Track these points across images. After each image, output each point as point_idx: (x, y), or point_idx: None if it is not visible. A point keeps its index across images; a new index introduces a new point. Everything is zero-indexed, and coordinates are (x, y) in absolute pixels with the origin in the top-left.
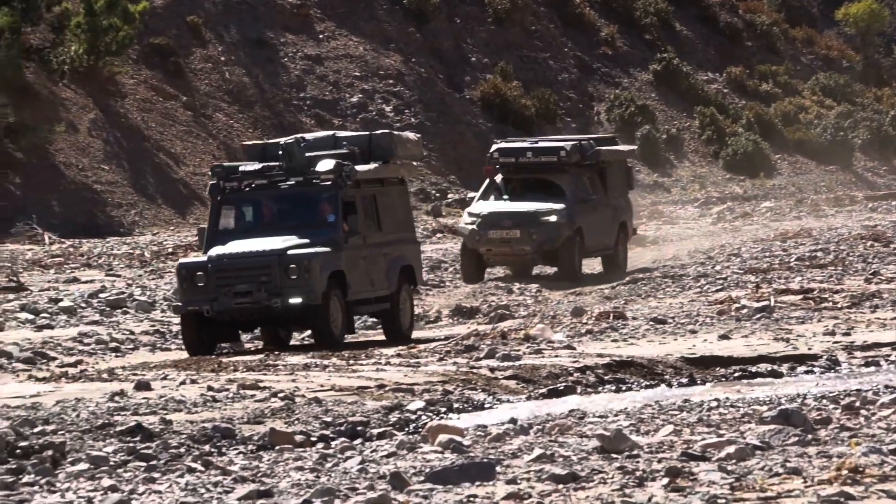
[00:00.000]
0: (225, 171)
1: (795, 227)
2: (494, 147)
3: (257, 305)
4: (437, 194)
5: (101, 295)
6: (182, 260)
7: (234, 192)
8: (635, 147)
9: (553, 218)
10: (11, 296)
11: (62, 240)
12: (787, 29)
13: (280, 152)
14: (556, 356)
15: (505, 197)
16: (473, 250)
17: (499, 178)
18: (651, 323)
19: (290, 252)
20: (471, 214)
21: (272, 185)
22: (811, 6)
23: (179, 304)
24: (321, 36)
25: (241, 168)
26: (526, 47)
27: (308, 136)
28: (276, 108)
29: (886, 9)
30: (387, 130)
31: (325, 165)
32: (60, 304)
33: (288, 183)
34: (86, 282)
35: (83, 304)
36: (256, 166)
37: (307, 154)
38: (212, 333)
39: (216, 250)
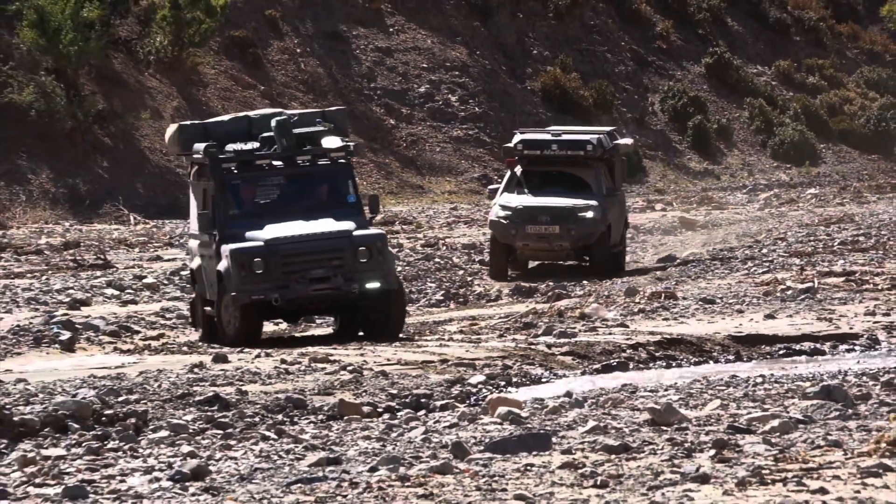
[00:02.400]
0: (221, 150)
1: (839, 212)
2: (517, 138)
3: (337, 292)
4: (499, 179)
5: (182, 272)
6: (234, 245)
7: (240, 171)
8: (632, 140)
9: (590, 214)
10: (99, 273)
11: (146, 220)
12: (834, 24)
13: (274, 130)
14: (610, 333)
15: (526, 190)
16: (505, 245)
17: (518, 169)
18: (700, 303)
19: (357, 234)
20: (503, 207)
21: (281, 164)
22: (857, 3)
23: (234, 293)
24: (391, 29)
25: (239, 147)
26: (585, 41)
27: (254, 113)
28: (349, 97)
29: None
30: (342, 107)
31: (333, 142)
32: (144, 280)
33: (300, 161)
34: (168, 260)
35: (165, 281)
36: (252, 144)
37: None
38: (261, 322)
39: (265, 234)
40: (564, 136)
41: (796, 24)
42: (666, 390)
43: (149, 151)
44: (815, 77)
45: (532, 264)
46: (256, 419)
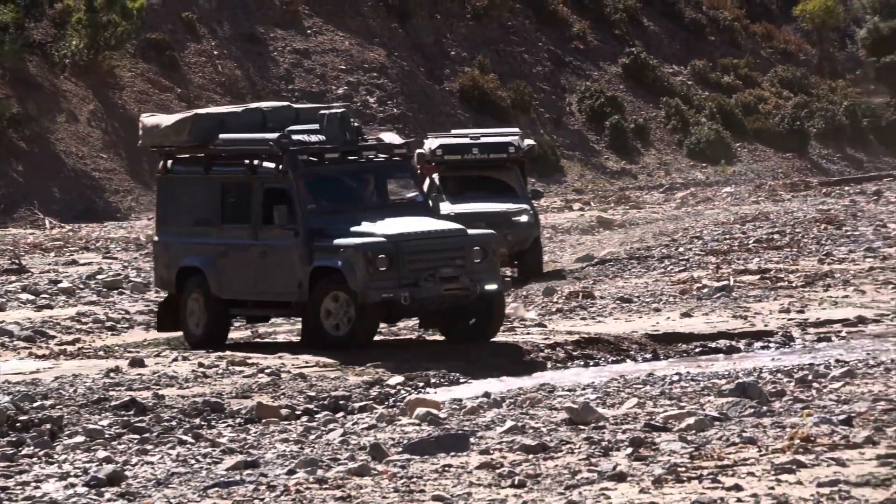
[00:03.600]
0: (292, 141)
1: (754, 211)
2: (435, 143)
3: (465, 292)
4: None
5: (99, 276)
6: (358, 240)
7: (314, 164)
8: (534, 142)
9: (524, 218)
10: (13, 277)
11: (62, 224)
12: (748, 24)
13: (332, 123)
14: (528, 333)
15: (444, 197)
16: None
17: (436, 176)
18: (618, 302)
19: (472, 233)
20: None
21: (346, 159)
22: (770, 3)
23: (361, 291)
24: (309, 31)
25: (303, 138)
26: (502, 42)
27: (266, 105)
28: (267, 99)
29: (840, 5)
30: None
31: (394, 138)
32: (60, 285)
33: (367, 157)
34: (84, 264)
35: (81, 286)
36: (317, 137)
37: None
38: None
39: (381, 229)
40: (484, 139)
41: (711, 24)
42: (583, 389)
43: (64, 155)
44: (731, 76)
45: None
46: (173, 423)
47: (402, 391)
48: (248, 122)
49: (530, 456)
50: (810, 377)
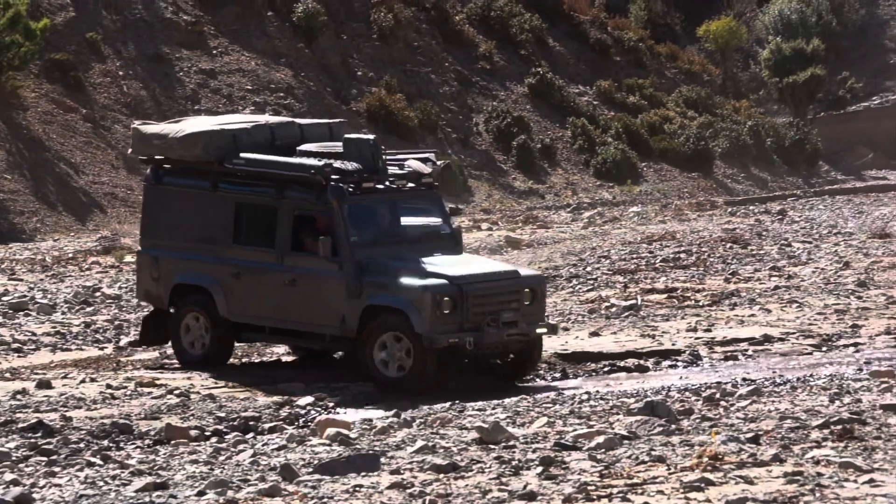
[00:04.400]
0: (334, 170)
1: (660, 230)
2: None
3: (524, 338)
4: None
5: (4, 298)
6: (427, 281)
7: (355, 196)
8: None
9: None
10: None
11: None
12: (653, 45)
13: (364, 149)
14: None
15: None
16: None
17: None
18: None
19: (524, 274)
20: None
21: (385, 188)
22: (675, 24)
23: (422, 333)
24: (215, 52)
25: (340, 165)
26: (409, 62)
27: (273, 120)
28: (173, 119)
29: (744, 26)
30: (343, 120)
31: (422, 167)
32: None
33: (398, 186)
34: None
35: None
36: (353, 165)
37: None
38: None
39: (442, 269)
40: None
41: (616, 45)
42: (493, 409)
43: None
44: (636, 96)
45: None
46: (81, 445)
47: (312, 411)
48: (259, 138)
49: (441, 475)
50: (718, 396)
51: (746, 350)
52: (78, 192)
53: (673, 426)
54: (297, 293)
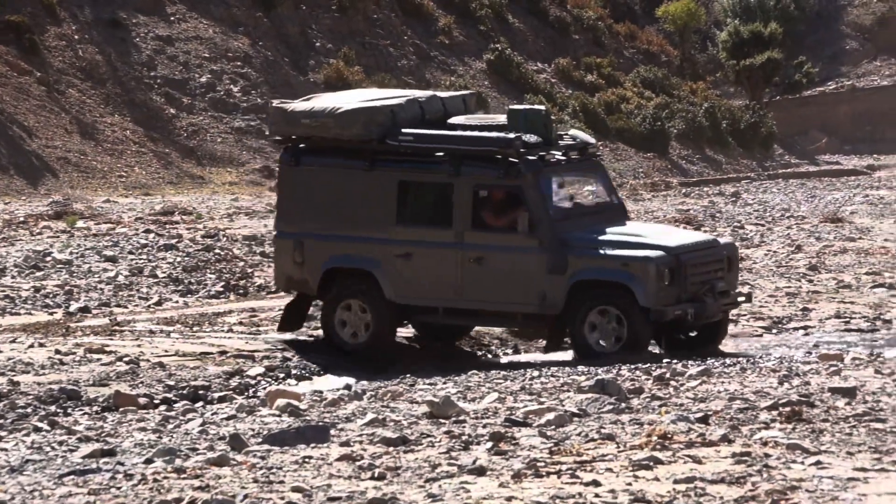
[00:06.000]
0: (524, 143)
1: None
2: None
3: (733, 308)
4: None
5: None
6: (649, 253)
7: (545, 168)
8: None
9: None
10: None
11: None
12: (612, 24)
13: (538, 122)
14: None
15: None
16: None
17: None
18: None
19: (722, 243)
20: None
21: (570, 161)
22: (634, 3)
23: (649, 306)
24: (172, 18)
25: (527, 138)
26: (368, 34)
27: (420, 94)
28: (128, 85)
29: (703, 8)
30: (472, 91)
31: (584, 136)
32: None
33: (569, 158)
34: None
35: None
36: (534, 138)
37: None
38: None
39: (657, 239)
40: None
41: (575, 23)
42: (444, 383)
43: None
44: (594, 75)
45: None
46: (28, 410)
47: (263, 382)
48: (413, 115)
49: (391, 448)
50: (668, 375)
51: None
52: (30, 155)
53: (623, 405)
54: (483, 272)
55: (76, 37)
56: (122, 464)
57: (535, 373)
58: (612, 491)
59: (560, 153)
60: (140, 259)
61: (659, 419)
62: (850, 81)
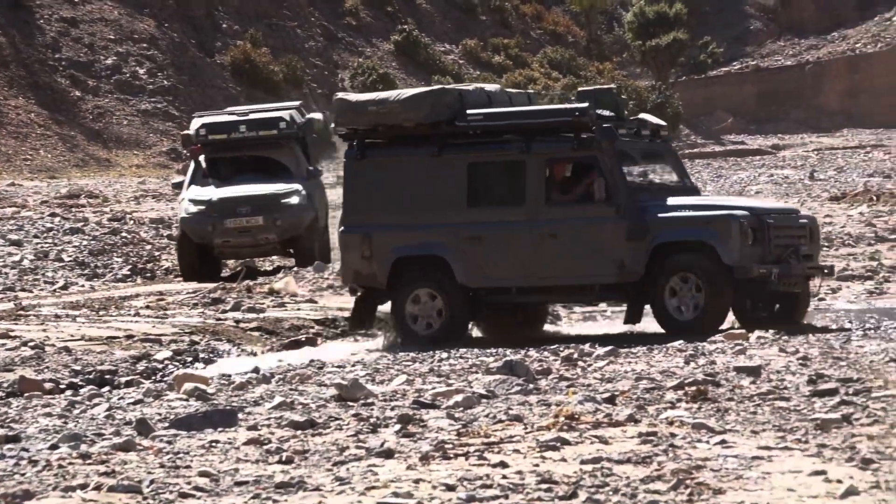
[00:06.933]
0: (599, 115)
1: None
2: (198, 122)
3: (816, 272)
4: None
5: None
6: (727, 212)
7: (621, 142)
8: (322, 115)
9: (295, 199)
10: None
11: None
12: (518, 5)
13: (611, 101)
14: (299, 309)
15: (211, 181)
16: (201, 244)
17: (202, 157)
18: None
19: (803, 213)
20: (195, 202)
21: (639, 136)
22: None
23: (732, 264)
24: (77, 0)
25: (599, 112)
26: (274, 16)
27: (489, 87)
28: (32, 67)
29: None
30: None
31: (657, 120)
32: None
33: (646, 139)
34: None
35: None
36: (608, 112)
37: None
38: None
39: (732, 202)
40: (253, 116)
41: (482, 4)
42: (353, 366)
43: None
44: (501, 56)
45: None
46: None
47: (170, 366)
48: (479, 100)
49: (298, 432)
50: (576, 356)
51: (605, 311)
52: None
53: (531, 386)
54: (558, 246)
55: None
56: (27, 450)
57: (444, 354)
58: (520, 472)
59: (632, 131)
60: (45, 243)
61: (566, 400)
62: (755, 62)
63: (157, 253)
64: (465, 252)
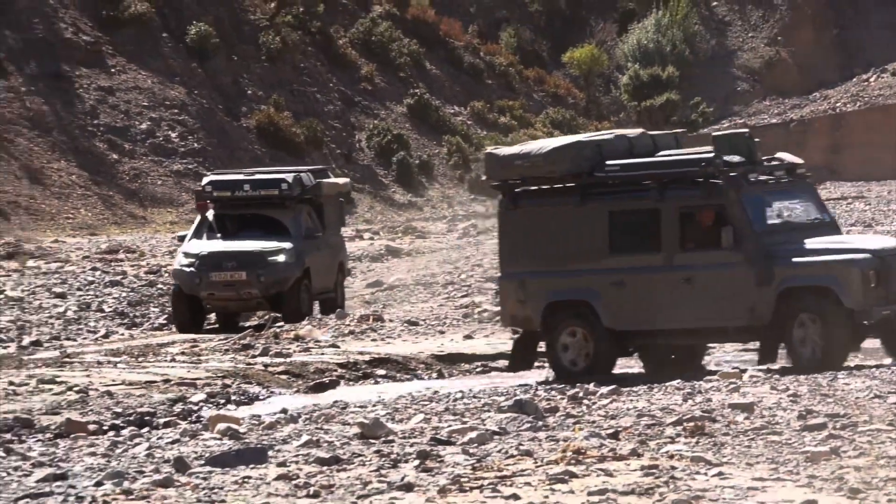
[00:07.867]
0: (724, 161)
1: None
2: (207, 179)
3: None
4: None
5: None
6: (848, 256)
7: (747, 185)
8: (348, 180)
9: (281, 258)
10: None
11: None
12: (522, 69)
13: (744, 145)
14: (323, 354)
15: (218, 235)
16: (191, 295)
17: (210, 213)
18: (405, 324)
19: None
20: (187, 255)
21: (770, 180)
22: (542, 50)
23: (853, 307)
24: (113, 70)
25: (728, 158)
26: (296, 82)
27: (630, 132)
28: (73, 133)
29: (605, 54)
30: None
31: (792, 157)
32: None
33: (776, 178)
34: None
35: None
36: (737, 158)
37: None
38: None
39: (865, 244)
40: (257, 176)
41: (488, 69)
42: (374, 406)
43: None
44: (506, 117)
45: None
46: None
47: (205, 407)
48: (619, 148)
49: (325, 468)
50: (581, 394)
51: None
52: None
53: (540, 423)
54: (693, 291)
55: (23, 89)
56: (74, 487)
57: (459, 394)
58: (531, 503)
59: (765, 173)
60: (88, 295)
61: (573, 436)
62: (742, 120)
63: None
64: (609, 296)
